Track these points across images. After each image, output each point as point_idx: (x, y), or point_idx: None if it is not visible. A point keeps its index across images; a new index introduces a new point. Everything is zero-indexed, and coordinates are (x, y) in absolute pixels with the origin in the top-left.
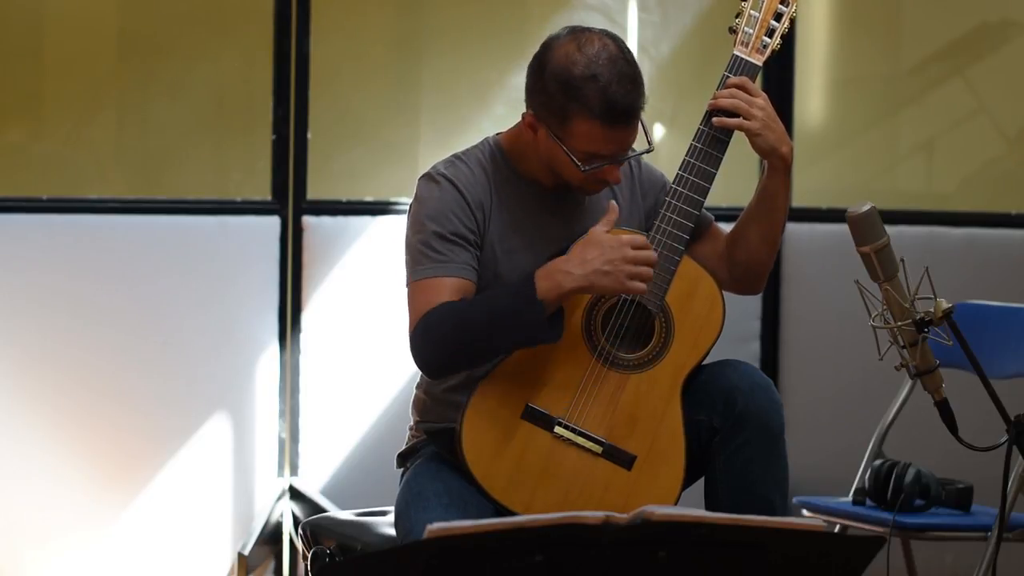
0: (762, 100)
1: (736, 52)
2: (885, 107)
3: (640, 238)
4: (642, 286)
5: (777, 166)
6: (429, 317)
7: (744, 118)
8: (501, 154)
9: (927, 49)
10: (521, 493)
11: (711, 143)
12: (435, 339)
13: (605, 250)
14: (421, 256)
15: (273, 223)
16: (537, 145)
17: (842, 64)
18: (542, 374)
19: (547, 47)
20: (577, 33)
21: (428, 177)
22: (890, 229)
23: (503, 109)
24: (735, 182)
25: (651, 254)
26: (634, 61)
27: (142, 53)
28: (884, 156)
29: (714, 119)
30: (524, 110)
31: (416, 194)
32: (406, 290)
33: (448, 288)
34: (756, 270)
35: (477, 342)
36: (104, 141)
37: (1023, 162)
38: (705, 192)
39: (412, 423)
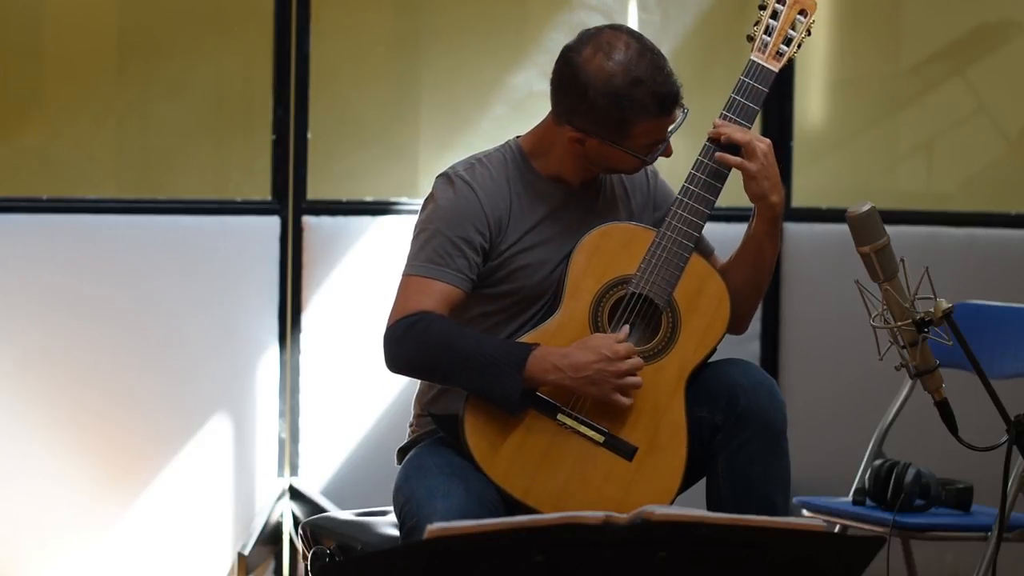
0: (765, 146)
1: (753, 58)
2: (885, 107)
3: (629, 346)
4: (626, 400)
5: (765, 214)
6: (420, 320)
7: (748, 157)
8: (522, 155)
9: (927, 49)
10: (521, 478)
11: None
12: (414, 342)
13: (600, 360)
14: (421, 252)
15: (273, 223)
16: (584, 156)
17: (842, 64)
18: None
19: (573, 64)
20: (596, 40)
21: (446, 177)
22: (890, 229)
23: (503, 109)
24: (736, 181)
25: (638, 361)
26: (653, 44)
27: (142, 53)
28: (884, 156)
29: (725, 157)
30: (551, 118)
31: (432, 192)
32: (400, 277)
33: (437, 292)
34: (738, 311)
35: (447, 369)
36: (104, 141)
37: (1023, 162)
38: (717, 191)
39: (412, 418)
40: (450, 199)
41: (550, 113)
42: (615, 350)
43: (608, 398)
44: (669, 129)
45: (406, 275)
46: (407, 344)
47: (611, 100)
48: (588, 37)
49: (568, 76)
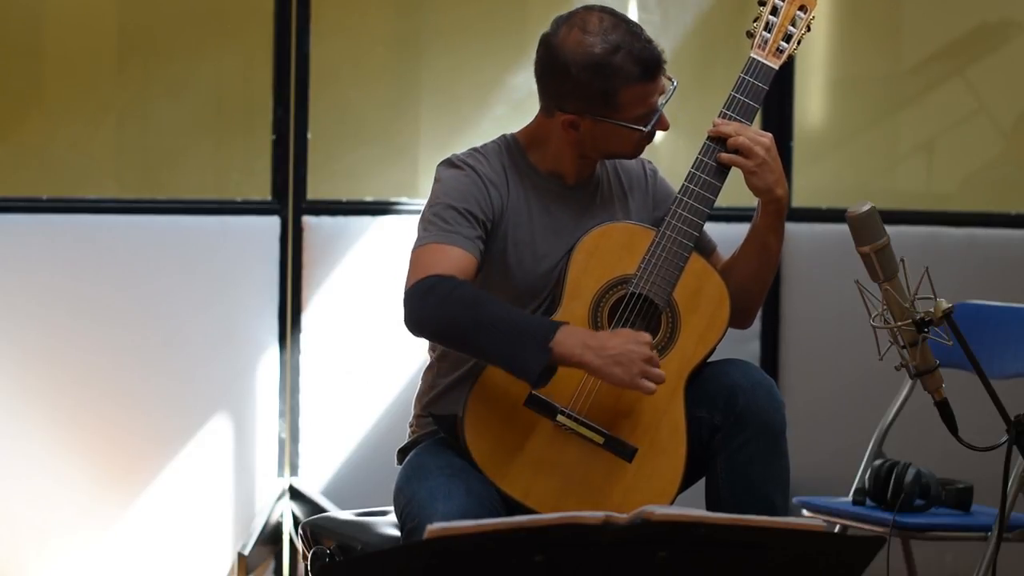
0: (767, 140)
1: (753, 55)
2: (885, 107)
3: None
4: (651, 386)
5: (769, 208)
6: (447, 280)
7: (745, 156)
8: (518, 149)
9: (927, 49)
10: (521, 480)
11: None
12: (440, 299)
13: (628, 343)
14: (431, 225)
15: (273, 223)
16: (579, 142)
17: (842, 64)
18: None
19: (551, 47)
20: (570, 20)
21: (449, 162)
22: (890, 229)
23: (503, 109)
24: (737, 181)
25: (657, 358)
26: (627, 16)
27: (142, 53)
28: (884, 156)
29: (721, 155)
30: (542, 113)
31: (436, 176)
32: (410, 256)
33: (452, 256)
34: (743, 306)
35: (472, 331)
36: (104, 141)
37: (1023, 162)
38: (717, 190)
39: (413, 418)
40: (455, 176)
41: (540, 110)
42: (643, 337)
43: (633, 382)
44: (660, 101)
45: (420, 245)
46: (432, 300)
47: (593, 72)
48: (562, 20)
49: (548, 60)
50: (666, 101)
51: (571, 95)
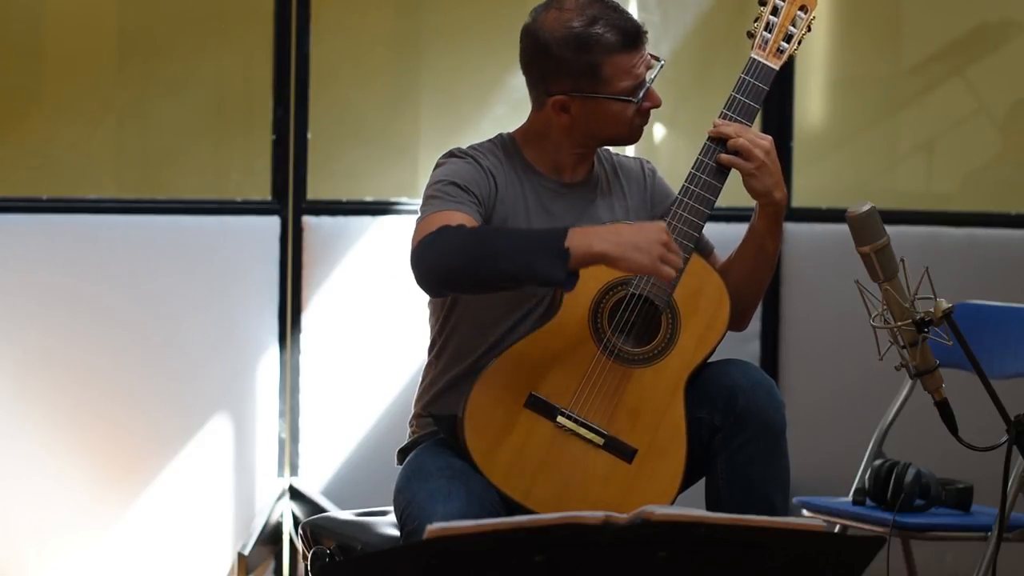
0: (767, 143)
1: (754, 55)
2: (885, 107)
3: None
4: (671, 272)
5: (767, 211)
6: (445, 229)
7: (744, 158)
8: (514, 145)
9: (927, 49)
10: (521, 481)
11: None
12: (447, 240)
13: (644, 229)
14: (433, 199)
15: (273, 223)
16: (573, 126)
17: (842, 64)
18: (547, 364)
19: (532, 32)
20: (546, 6)
21: (449, 153)
22: (890, 229)
23: (503, 109)
24: (737, 181)
25: (678, 258)
26: None
27: (142, 53)
28: (884, 156)
29: (720, 156)
30: (534, 107)
31: (436, 164)
32: (414, 228)
33: (456, 219)
34: (739, 308)
35: (485, 259)
36: (104, 141)
37: (1023, 162)
38: (717, 191)
39: (413, 418)
40: (456, 163)
41: (532, 105)
42: (657, 224)
43: (655, 266)
44: (648, 76)
45: (423, 216)
46: (438, 246)
47: (575, 46)
48: (539, 8)
49: (531, 45)
50: (654, 76)
51: (556, 74)
